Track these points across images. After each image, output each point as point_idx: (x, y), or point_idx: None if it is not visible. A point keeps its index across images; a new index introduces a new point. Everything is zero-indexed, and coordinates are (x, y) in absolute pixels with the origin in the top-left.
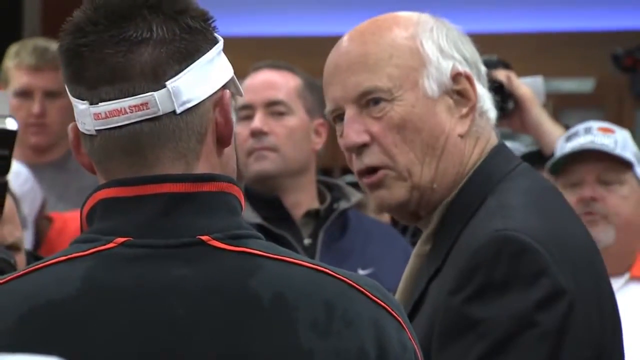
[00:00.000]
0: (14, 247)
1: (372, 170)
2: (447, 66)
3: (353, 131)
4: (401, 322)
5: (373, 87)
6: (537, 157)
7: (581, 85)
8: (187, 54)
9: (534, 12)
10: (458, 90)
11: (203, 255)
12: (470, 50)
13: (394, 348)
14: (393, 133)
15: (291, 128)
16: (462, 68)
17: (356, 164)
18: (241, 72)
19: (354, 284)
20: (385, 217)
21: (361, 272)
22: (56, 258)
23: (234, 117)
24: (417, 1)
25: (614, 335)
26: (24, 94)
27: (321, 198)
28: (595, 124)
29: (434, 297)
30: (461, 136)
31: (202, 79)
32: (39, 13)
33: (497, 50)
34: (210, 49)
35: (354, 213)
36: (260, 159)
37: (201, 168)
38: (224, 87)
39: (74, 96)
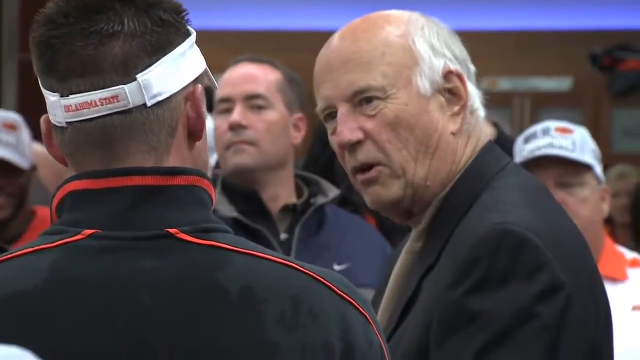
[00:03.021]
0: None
1: (366, 167)
2: (439, 64)
3: (347, 129)
4: (368, 317)
5: (367, 86)
6: None
7: (559, 84)
8: (158, 47)
9: (514, 11)
10: (450, 89)
11: (171, 248)
12: (459, 48)
13: (360, 343)
14: (387, 130)
15: (270, 122)
16: (454, 66)
17: (350, 162)
18: (221, 66)
19: (322, 280)
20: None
21: (337, 267)
22: (23, 250)
23: (206, 112)
24: (403, 1)
25: (607, 331)
26: None
27: (299, 193)
28: (553, 125)
29: (429, 293)
30: (454, 134)
31: (173, 72)
32: (17, 4)
33: (476, 48)
34: (183, 42)
35: (331, 208)
36: (239, 152)
37: (172, 162)
38: (197, 80)
39: (45, 88)
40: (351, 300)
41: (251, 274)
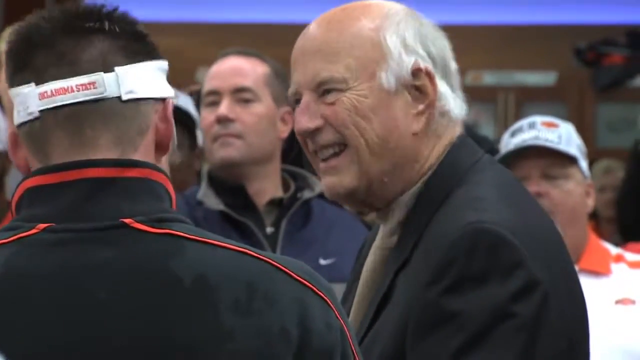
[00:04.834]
0: None
1: (327, 155)
2: (408, 61)
3: (306, 116)
4: (328, 301)
5: (329, 78)
6: None
7: (544, 78)
8: (136, 52)
9: (498, 5)
10: (417, 86)
11: (126, 238)
12: (439, 46)
13: (317, 327)
14: (344, 115)
15: (257, 115)
16: (424, 64)
17: (310, 147)
18: (209, 59)
19: (279, 265)
20: None
21: (323, 262)
22: None
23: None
24: None
25: (583, 325)
26: None
27: (285, 187)
28: (539, 119)
29: (404, 288)
30: (415, 134)
31: (148, 79)
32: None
33: (460, 42)
34: (158, 59)
35: (317, 203)
36: (225, 145)
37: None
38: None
39: (17, 85)
40: (310, 285)
41: (205, 261)
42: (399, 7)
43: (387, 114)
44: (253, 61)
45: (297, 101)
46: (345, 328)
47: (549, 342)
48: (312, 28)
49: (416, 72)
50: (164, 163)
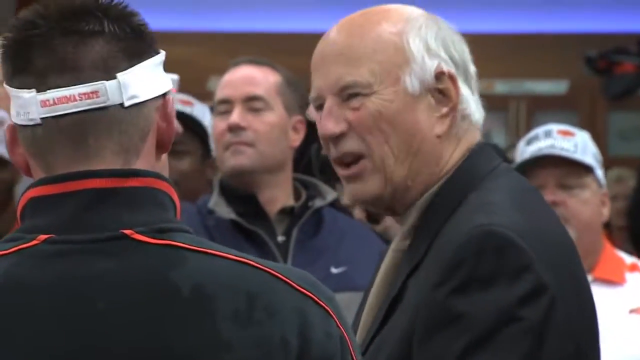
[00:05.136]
0: None
1: (349, 161)
2: (431, 65)
3: (331, 121)
4: (329, 310)
5: (353, 82)
6: None
7: (555, 87)
8: (136, 52)
9: (509, 14)
10: (440, 89)
11: (126, 249)
12: (460, 50)
13: (317, 337)
14: (369, 122)
15: (269, 124)
16: (447, 67)
17: (333, 153)
18: (220, 68)
19: (279, 275)
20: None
21: (335, 270)
22: None
23: (177, 125)
24: (396, 0)
25: (592, 331)
26: None
27: (296, 195)
28: (555, 127)
29: (414, 291)
30: (439, 137)
31: (149, 79)
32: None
33: (472, 50)
34: (155, 55)
35: (329, 211)
36: (237, 153)
37: (139, 166)
38: (165, 95)
39: (17, 87)
40: (311, 295)
41: (204, 271)
42: (419, 12)
43: (411, 118)
44: (265, 70)
45: (320, 106)
46: (346, 336)
47: (556, 347)
48: (333, 33)
49: (439, 75)
50: (163, 161)
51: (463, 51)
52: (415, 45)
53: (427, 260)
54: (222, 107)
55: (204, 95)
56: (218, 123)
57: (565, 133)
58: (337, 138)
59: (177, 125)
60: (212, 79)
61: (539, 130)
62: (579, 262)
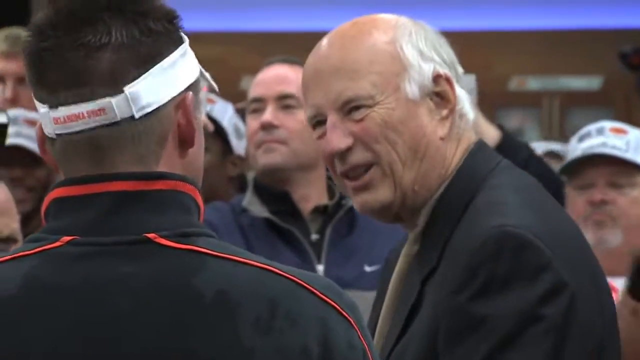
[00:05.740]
0: (11, 240)
1: (357, 173)
2: (428, 69)
3: (336, 137)
4: (351, 321)
5: (355, 96)
6: None
7: (589, 83)
8: (147, 58)
9: (543, 10)
10: (438, 92)
11: (149, 253)
12: (447, 51)
13: (340, 347)
14: (375, 131)
15: (302, 122)
16: (443, 70)
17: (339, 167)
18: (252, 67)
19: (303, 283)
20: None
21: (368, 269)
22: (3, 257)
23: (200, 117)
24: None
25: (612, 328)
26: None
27: (330, 194)
28: (607, 124)
29: (432, 298)
30: (442, 139)
31: (163, 82)
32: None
33: (505, 47)
34: (174, 50)
35: None
36: (269, 151)
37: (161, 170)
38: (190, 87)
39: (36, 99)
40: (334, 304)
41: (227, 278)
42: (404, 18)
43: (415, 123)
44: (297, 69)
45: (318, 123)
46: (368, 350)
47: (578, 344)
48: (324, 47)
49: (436, 78)
50: (191, 155)
51: (450, 52)
52: (409, 52)
53: (443, 265)
54: (254, 106)
55: (237, 95)
56: (251, 122)
57: (618, 131)
58: (344, 153)
59: (207, 123)
60: (245, 78)
61: (592, 127)
62: (594, 258)
